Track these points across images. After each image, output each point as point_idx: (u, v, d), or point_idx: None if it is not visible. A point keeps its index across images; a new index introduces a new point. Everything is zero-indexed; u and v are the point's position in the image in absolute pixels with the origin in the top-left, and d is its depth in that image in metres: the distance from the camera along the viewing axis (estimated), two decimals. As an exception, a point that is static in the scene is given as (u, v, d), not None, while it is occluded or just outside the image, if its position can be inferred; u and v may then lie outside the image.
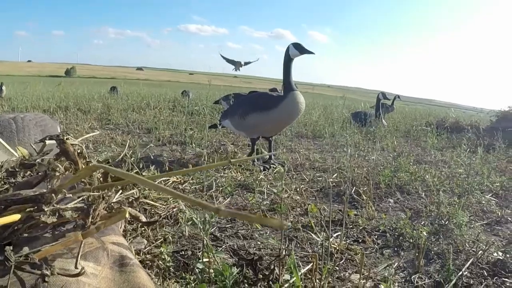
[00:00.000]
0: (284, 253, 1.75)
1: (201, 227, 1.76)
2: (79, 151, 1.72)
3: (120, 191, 1.79)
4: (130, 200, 1.82)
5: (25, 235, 1.30)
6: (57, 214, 1.31)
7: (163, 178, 3.10)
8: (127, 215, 1.40)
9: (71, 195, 1.39)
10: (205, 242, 1.75)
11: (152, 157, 4.10)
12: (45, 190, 1.39)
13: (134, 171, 2.93)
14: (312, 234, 2.32)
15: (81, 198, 1.40)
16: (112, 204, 1.61)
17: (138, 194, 1.95)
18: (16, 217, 1.25)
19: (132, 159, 3.13)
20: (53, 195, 1.31)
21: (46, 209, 1.28)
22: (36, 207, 1.29)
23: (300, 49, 3.80)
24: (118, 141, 5.03)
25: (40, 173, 1.60)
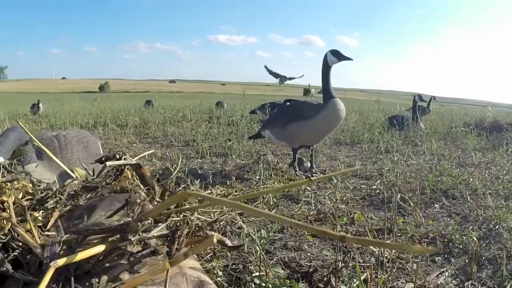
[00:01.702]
0: (340, 264, 1.75)
1: (258, 242, 1.77)
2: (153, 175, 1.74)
3: (196, 213, 1.79)
4: (209, 222, 1.81)
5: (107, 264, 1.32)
6: (142, 242, 1.33)
7: (207, 192, 3.13)
8: (215, 240, 1.40)
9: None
10: (261, 257, 1.76)
11: (194, 170, 4.13)
12: (128, 219, 1.40)
13: (182, 186, 2.96)
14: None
15: (164, 224, 1.41)
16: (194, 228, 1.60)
17: (215, 216, 1.96)
18: (101, 247, 1.27)
19: (180, 174, 3.16)
20: (139, 223, 1.32)
21: (132, 239, 1.29)
22: (121, 237, 1.31)
23: (338, 56, 3.80)
24: (158, 155, 5.08)
25: (103, 195, 1.63)
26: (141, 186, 1.82)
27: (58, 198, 1.64)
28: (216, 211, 2.46)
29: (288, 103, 4.77)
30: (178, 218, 1.47)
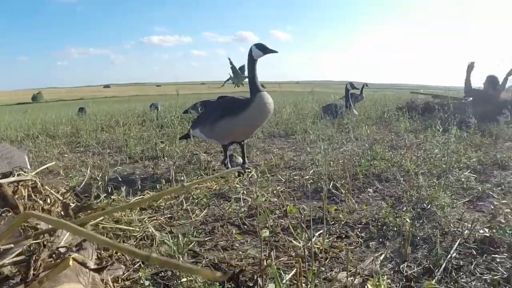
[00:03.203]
0: (265, 263, 1.67)
1: (174, 248, 1.68)
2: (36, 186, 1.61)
3: (67, 234, 1.66)
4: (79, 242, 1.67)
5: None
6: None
7: (137, 198, 3.03)
8: (70, 263, 1.27)
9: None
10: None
11: (124, 176, 3.99)
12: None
13: (103, 195, 2.83)
14: (292, 240, 2.25)
15: (20, 249, 1.28)
16: (59, 249, 1.47)
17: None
18: None
19: (100, 183, 3.04)
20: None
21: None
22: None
23: (263, 49, 3.74)
24: (89, 163, 4.89)
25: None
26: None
27: None
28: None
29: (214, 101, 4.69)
30: (38, 241, 1.34)
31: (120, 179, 3.60)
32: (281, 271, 1.85)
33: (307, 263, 1.82)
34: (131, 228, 2.43)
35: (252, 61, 3.77)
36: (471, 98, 7.76)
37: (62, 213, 1.78)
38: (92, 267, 1.57)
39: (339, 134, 5.88)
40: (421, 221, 2.50)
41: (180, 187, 1.20)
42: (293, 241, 2.22)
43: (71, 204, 2.17)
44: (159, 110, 10.62)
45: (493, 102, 7.27)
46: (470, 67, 7.76)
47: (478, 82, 7.97)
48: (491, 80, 7.66)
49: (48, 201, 2.12)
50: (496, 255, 2.04)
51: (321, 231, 2.34)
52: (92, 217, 1.99)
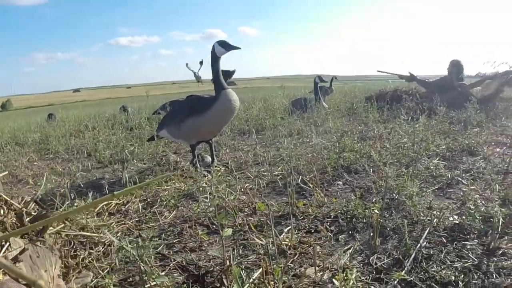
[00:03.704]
0: (228, 263, 1.65)
1: (133, 253, 1.64)
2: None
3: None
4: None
5: None
6: None
7: (105, 202, 2.99)
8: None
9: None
10: (142, 269, 1.64)
11: (94, 182, 3.94)
12: None
13: (66, 203, 2.78)
14: (255, 238, 2.23)
15: None
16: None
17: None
18: None
19: (63, 190, 2.99)
20: None
21: None
22: None
23: (226, 46, 3.71)
24: (58, 170, 4.81)
25: None
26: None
27: None
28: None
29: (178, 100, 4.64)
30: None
31: (93, 182, 3.55)
32: (249, 270, 1.84)
33: (273, 261, 1.81)
34: (94, 234, 2.37)
35: (215, 58, 3.74)
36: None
37: (18, 223, 1.73)
38: (57, 275, 1.53)
39: (308, 127, 5.89)
40: (390, 212, 2.51)
41: (110, 196, 1.17)
42: (256, 239, 2.19)
43: (32, 213, 2.13)
44: (129, 113, 10.52)
45: (459, 89, 7.37)
46: (457, 65, 7.82)
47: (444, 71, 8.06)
48: (455, 64, 7.76)
49: (2, 212, 2.07)
50: (467, 242, 2.04)
51: (289, 227, 2.32)
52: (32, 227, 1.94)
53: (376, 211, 2.31)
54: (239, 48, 3.76)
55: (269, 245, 2.08)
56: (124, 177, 3.64)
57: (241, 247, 2.20)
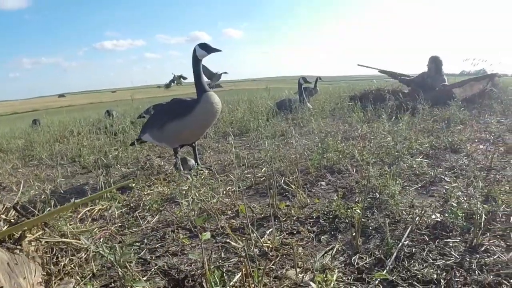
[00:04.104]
0: (207, 267, 1.65)
1: (111, 259, 1.64)
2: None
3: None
4: None
5: None
6: None
7: (88, 208, 2.98)
8: None
9: None
10: (121, 274, 1.63)
11: (78, 188, 3.92)
12: None
13: (47, 209, 2.76)
14: (231, 242, 2.22)
15: None
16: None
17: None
18: None
19: (43, 197, 2.97)
20: None
21: None
22: None
23: (207, 48, 3.70)
24: (42, 177, 4.76)
25: None
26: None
27: None
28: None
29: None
30: None
31: (77, 188, 3.54)
32: (230, 273, 1.84)
33: (254, 263, 1.81)
34: (73, 241, 2.35)
35: (196, 61, 3.73)
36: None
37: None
38: (37, 282, 1.52)
39: (292, 128, 5.90)
40: (372, 211, 2.51)
41: (71, 205, 1.17)
42: (232, 243, 2.18)
43: (11, 220, 2.11)
44: (114, 117, 10.47)
45: (439, 86, 7.46)
46: (436, 61, 7.88)
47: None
48: (434, 60, 7.84)
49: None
50: (449, 240, 2.05)
51: (271, 229, 2.31)
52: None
53: (358, 211, 2.32)
54: (220, 51, 3.76)
55: (251, 248, 2.08)
56: (100, 182, 3.60)
57: (223, 250, 2.19)
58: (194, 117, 3.65)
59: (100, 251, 1.68)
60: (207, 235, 1.84)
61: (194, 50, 3.73)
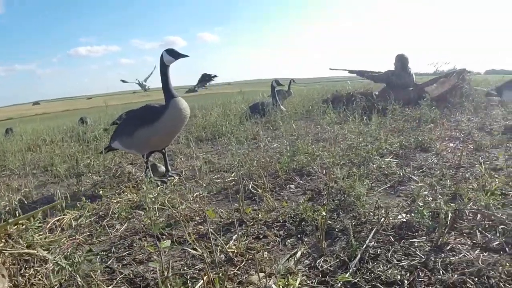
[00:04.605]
0: (166, 274, 1.66)
1: (70, 270, 1.64)
2: None
3: None
4: None
5: None
6: None
7: (57, 218, 2.95)
8: None
9: None
10: (80, 283, 1.63)
11: (49, 197, 3.87)
12: None
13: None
14: (190, 250, 2.18)
15: None
16: None
17: None
18: None
19: (7, 208, 2.94)
20: None
21: None
22: None
23: (174, 54, 3.70)
24: (14, 187, 4.70)
25: None
26: None
27: None
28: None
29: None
30: None
31: (49, 197, 3.51)
32: (194, 280, 1.85)
33: (220, 269, 1.82)
34: (34, 251, 2.32)
35: (164, 67, 3.72)
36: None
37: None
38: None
39: (261, 132, 5.91)
40: (337, 213, 2.53)
41: (4, 225, 1.17)
42: (190, 250, 2.16)
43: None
44: (88, 124, 10.39)
45: (406, 83, 7.59)
46: (402, 59, 7.98)
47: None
48: (399, 58, 7.95)
49: None
50: (415, 240, 2.07)
51: (236, 235, 2.31)
52: None
53: (323, 213, 2.34)
54: (187, 56, 3.76)
55: (216, 254, 2.09)
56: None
57: (190, 256, 2.19)
58: (162, 123, 3.64)
59: (59, 262, 1.68)
60: (167, 243, 1.85)
61: (161, 56, 3.72)
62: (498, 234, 2.02)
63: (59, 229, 2.85)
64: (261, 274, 1.80)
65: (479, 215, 2.25)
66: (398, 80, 7.80)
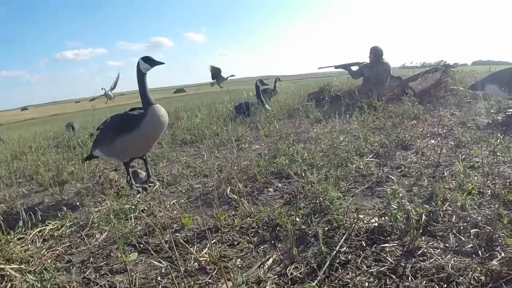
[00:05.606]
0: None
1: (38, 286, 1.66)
2: None
3: None
4: None
5: None
6: None
7: (39, 229, 2.96)
8: None
9: None
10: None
11: (34, 206, 3.85)
12: None
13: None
14: (154, 262, 2.18)
15: None
16: None
17: None
18: None
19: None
20: None
21: None
22: None
23: (150, 62, 3.71)
24: (-1, 197, 4.69)
25: None
26: None
27: None
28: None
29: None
30: None
31: (31, 207, 3.51)
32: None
33: (188, 278, 1.84)
34: (8, 266, 2.33)
35: (141, 74, 3.73)
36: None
37: None
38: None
39: (249, 132, 5.93)
40: (310, 218, 2.52)
41: None
42: (155, 263, 2.16)
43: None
44: (75, 129, 10.33)
45: (382, 76, 7.66)
46: (375, 51, 8.05)
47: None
48: (373, 51, 8.02)
49: None
50: (387, 244, 2.06)
51: (212, 241, 2.33)
52: None
53: (297, 218, 2.34)
54: (163, 63, 3.78)
55: (189, 263, 2.12)
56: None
57: (164, 266, 2.20)
58: (141, 131, 3.64)
59: (27, 280, 1.70)
60: (134, 255, 1.87)
61: (138, 63, 3.74)
62: (472, 237, 2.01)
63: (41, 240, 2.86)
64: (229, 284, 1.80)
65: (454, 216, 2.25)
66: (370, 72, 7.89)
